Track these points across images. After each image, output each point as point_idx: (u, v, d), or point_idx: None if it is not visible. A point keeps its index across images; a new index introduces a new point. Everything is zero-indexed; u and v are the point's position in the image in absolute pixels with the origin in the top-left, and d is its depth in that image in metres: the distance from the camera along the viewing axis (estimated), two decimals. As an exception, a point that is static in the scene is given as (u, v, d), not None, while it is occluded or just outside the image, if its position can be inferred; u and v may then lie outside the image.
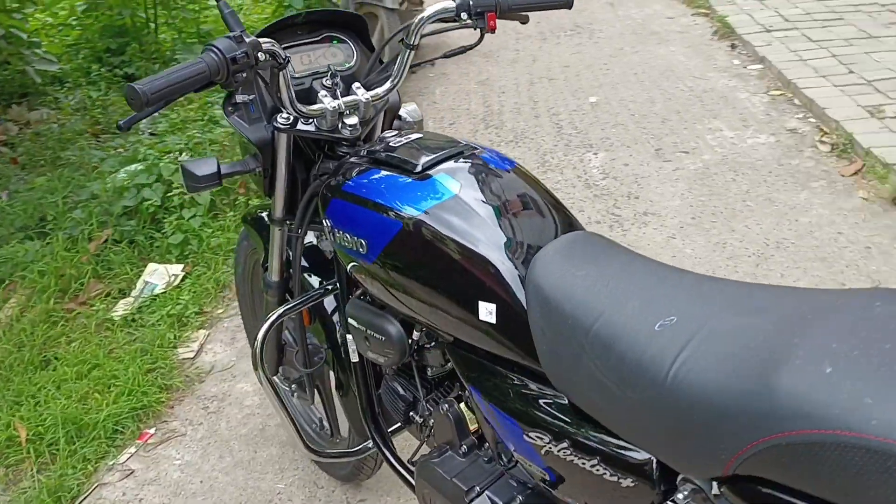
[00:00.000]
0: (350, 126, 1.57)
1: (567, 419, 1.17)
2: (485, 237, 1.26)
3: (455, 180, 1.35)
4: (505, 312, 1.22)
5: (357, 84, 1.61)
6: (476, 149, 1.43)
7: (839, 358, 0.83)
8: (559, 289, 1.16)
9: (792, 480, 0.85)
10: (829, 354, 0.84)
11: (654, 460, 1.06)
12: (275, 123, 1.57)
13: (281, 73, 1.42)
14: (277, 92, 1.47)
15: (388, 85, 1.63)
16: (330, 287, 1.79)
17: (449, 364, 1.53)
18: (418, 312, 1.38)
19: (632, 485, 1.08)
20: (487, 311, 1.24)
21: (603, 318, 1.08)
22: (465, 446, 1.50)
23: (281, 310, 1.76)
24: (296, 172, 1.69)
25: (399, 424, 1.79)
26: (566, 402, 1.18)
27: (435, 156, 1.39)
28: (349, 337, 1.70)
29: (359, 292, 1.64)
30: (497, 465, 1.47)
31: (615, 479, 1.10)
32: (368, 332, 1.56)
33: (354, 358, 1.72)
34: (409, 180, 1.37)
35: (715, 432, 0.91)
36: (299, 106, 1.50)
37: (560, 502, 1.33)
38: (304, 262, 1.89)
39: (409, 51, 1.60)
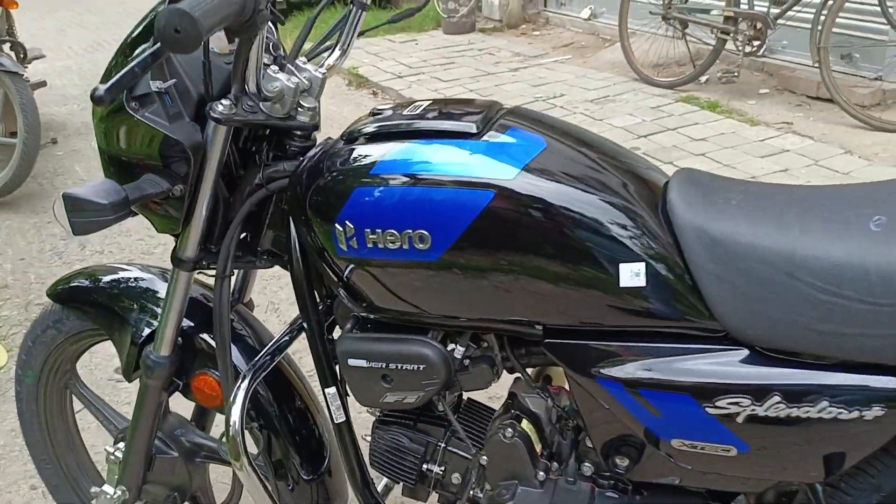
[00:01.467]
0: (309, 110, 1.20)
1: (768, 369, 1.01)
2: (606, 186, 1.05)
3: (531, 133, 1.11)
4: (656, 270, 1.02)
5: (302, 59, 1.25)
6: (503, 105, 1.20)
7: None
8: (727, 224, 1.01)
9: None
10: None
11: None
12: (211, 114, 1.13)
13: (258, 37, 1.05)
14: (244, 67, 1.08)
15: (337, 53, 1.30)
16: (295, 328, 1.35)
17: (496, 378, 1.25)
18: (504, 308, 1.09)
19: (880, 413, 0.97)
20: (633, 274, 1.03)
21: (802, 236, 0.97)
22: (539, 472, 1.23)
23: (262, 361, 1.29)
24: (218, 190, 1.25)
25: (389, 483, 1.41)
26: (749, 352, 1.02)
27: (482, 114, 1.12)
28: (330, 391, 1.30)
29: (349, 325, 1.25)
30: (580, 482, 1.23)
31: (854, 414, 0.97)
32: (389, 367, 1.20)
33: (340, 417, 1.31)
34: (478, 142, 1.09)
35: None
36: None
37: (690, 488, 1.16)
38: (188, 322, 1.41)
39: (359, 11, 1.30)
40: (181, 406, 1.55)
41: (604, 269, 1.03)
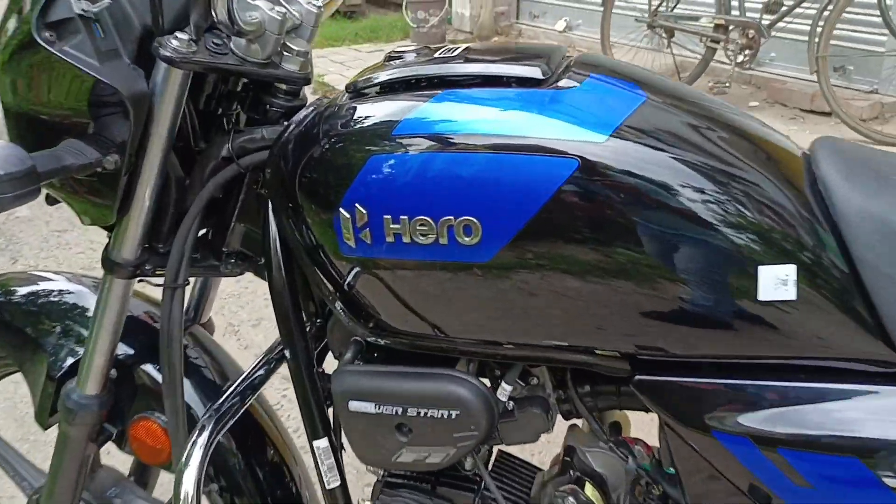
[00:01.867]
0: (298, 55, 0.87)
1: None
2: (733, 157, 0.74)
3: (622, 81, 0.79)
4: (811, 275, 0.70)
5: None
6: (567, 49, 0.88)
7: None
8: None
9: None
10: None
11: None
12: (161, 52, 0.79)
13: None
14: None
15: None
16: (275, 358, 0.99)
17: (550, 428, 0.92)
18: (579, 329, 0.77)
19: None
20: (779, 281, 0.70)
21: None
22: (611, 558, 0.90)
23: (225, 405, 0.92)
24: (169, 167, 0.90)
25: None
26: None
27: (546, 58, 0.80)
28: (321, 445, 0.94)
29: (349, 354, 0.91)
30: None
31: None
32: (408, 414, 0.85)
33: (334, 480, 0.96)
34: (548, 91, 0.76)
35: None
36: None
37: None
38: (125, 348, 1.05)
39: None
40: (116, 458, 1.19)
41: (735, 275, 0.71)
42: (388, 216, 0.75)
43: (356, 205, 0.76)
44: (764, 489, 0.76)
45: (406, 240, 0.76)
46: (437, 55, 0.84)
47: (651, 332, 0.75)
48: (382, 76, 0.82)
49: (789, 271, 0.70)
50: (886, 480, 0.71)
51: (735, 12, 4.36)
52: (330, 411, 0.96)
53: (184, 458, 0.88)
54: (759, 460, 0.75)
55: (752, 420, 0.75)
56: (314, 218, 0.80)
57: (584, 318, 0.76)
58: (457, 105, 0.76)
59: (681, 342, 0.75)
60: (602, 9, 4.92)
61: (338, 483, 0.96)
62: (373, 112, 0.79)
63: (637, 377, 0.79)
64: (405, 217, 0.75)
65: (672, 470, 0.84)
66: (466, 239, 0.74)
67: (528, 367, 0.91)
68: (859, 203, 0.71)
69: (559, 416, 0.94)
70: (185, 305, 1.18)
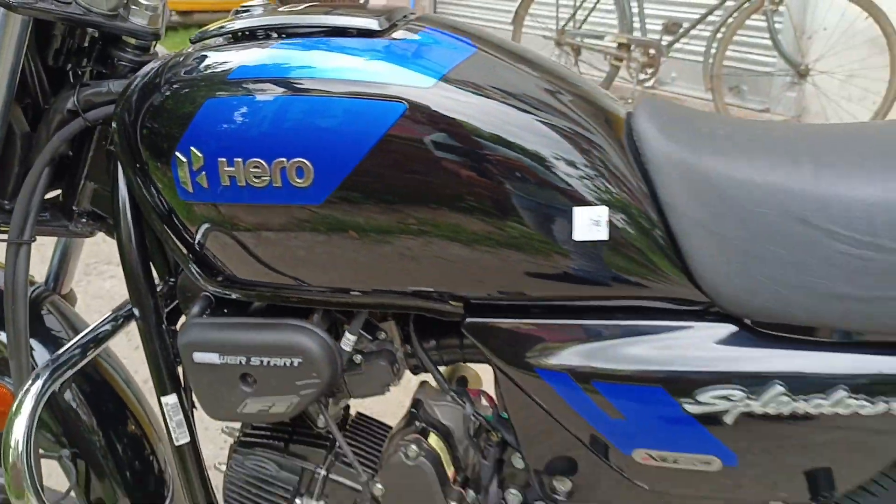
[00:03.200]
0: (147, 9, 0.88)
1: (769, 350, 0.76)
2: (554, 107, 0.78)
3: (454, 35, 0.83)
4: (622, 218, 0.76)
5: None
6: (413, 10, 0.92)
7: None
8: (718, 159, 0.76)
9: None
10: None
11: None
12: None
13: None
14: None
15: None
16: (123, 314, 0.99)
17: (396, 380, 0.95)
18: (412, 274, 0.80)
19: None
20: (592, 222, 0.75)
21: (818, 173, 0.73)
22: (451, 503, 0.93)
23: (46, 374, 0.90)
24: (13, 120, 0.90)
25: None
26: (742, 329, 0.77)
27: (385, 15, 0.83)
28: (169, 401, 0.95)
29: (197, 308, 0.92)
30: None
31: (881, 407, 0.73)
32: (251, 363, 0.87)
33: (183, 437, 0.96)
34: (382, 41, 0.79)
35: None
36: None
37: None
38: None
39: None
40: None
41: (551, 217, 0.76)
42: (223, 159, 0.77)
43: (192, 148, 0.78)
44: (581, 420, 0.81)
45: (241, 183, 0.78)
46: (283, 8, 0.86)
47: (474, 276, 0.79)
48: (227, 27, 0.84)
49: (602, 213, 0.75)
50: (687, 407, 0.76)
51: (637, 32, 4.54)
52: (180, 370, 0.97)
53: (14, 407, 0.87)
54: (577, 395, 0.80)
55: (571, 357, 0.79)
56: (154, 164, 0.81)
57: (415, 262, 0.79)
58: (291, 51, 0.79)
59: (505, 284, 0.79)
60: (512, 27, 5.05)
61: (187, 439, 0.97)
62: (213, 60, 0.81)
63: (468, 320, 0.83)
64: (239, 160, 0.77)
65: (506, 414, 0.88)
66: (299, 181, 0.76)
67: (375, 321, 0.94)
68: (668, 153, 0.77)
69: (411, 372, 0.98)
70: (45, 275, 1.17)
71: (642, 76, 4.50)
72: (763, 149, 0.77)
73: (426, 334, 0.94)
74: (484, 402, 0.96)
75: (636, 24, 4.55)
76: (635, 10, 4.53)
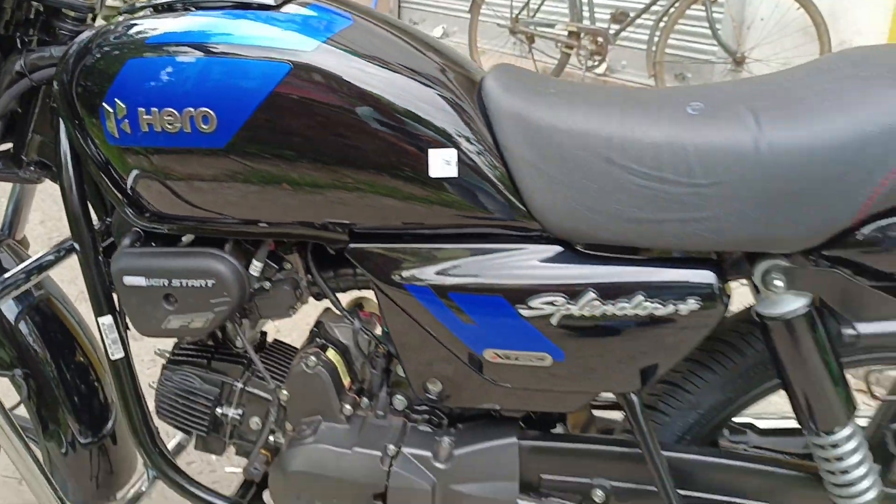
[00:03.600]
0: None
1: (583, 265, 0.94)
2: (417, 68, 0.96)
3: (336, 9, 1.00)
4: (469, 158, 0.94)
5: None
6: None
7: None
8: (546, 111, 0.94)
9: None
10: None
11: (718, 260, 0.93)
12: None
13: None
14: None
15: None
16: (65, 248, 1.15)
17: (298, 302, 1.12)
18: (304, 207, 0.97)
19: (695, 307, 0.91)
20: (444, 162, 0.93)
21: (621, 121, 0.92)
22: (345, 406, 1.11)
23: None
24: None
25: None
26: (565, 249, 0.95)
27: None
28: (105, 321, 1.12)
29: (128, 241, 1.08)
30: (391, 417, 1.13)
31: (670, 308, 0.92)
32: (173, 284, 1.04)
33: (117, 352, 1.13)
34: (275, 13, 0.96)
35: (836, 184, 0.83)
36: None
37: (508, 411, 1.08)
38: None
39: None
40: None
41: (411, 157, 0.93)
42: (142, 108, 0.94)
43: (116, 100, 0.95)
44: (443, 328, 0.98)
45: (157, 129, 0.95)
46: None
47: (354, 207, 0.96)
48: (153, 1, 1.01)
49: (451, 154, 0.93)
50: (521, 312, 0.95)
51: (586, 21, 4.73)
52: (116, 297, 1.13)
53: None
54: (438, 306, 0.98)
55: (432, 274, 0.97)
56: (86, 115, 0.98)
57: (305, 197, 0.96)
58: (200, 20, 0.96)
59: (377, 215, 0.97)
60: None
61: (121, 355, 1.13)
62: (137, 28, 0.98)
63: (350, 246, 1.00)
64: (155, 109, 0.94)
65: (387, 328, 1.06)
66: (205, 127, 0.93)
67: (282, 254, 1.11)
68: (505, 104, 0.95)
69: (315, 298, 1.15)
70: (0, 223, 1.33)
71: (591, 63, 4.70)
72: (584, 103, 0.95)
73: (325, 266, 1.12)
74: (377, 324, 1.15)
75: (585, 14, 4.74)
76: (585, 0, 4.71)
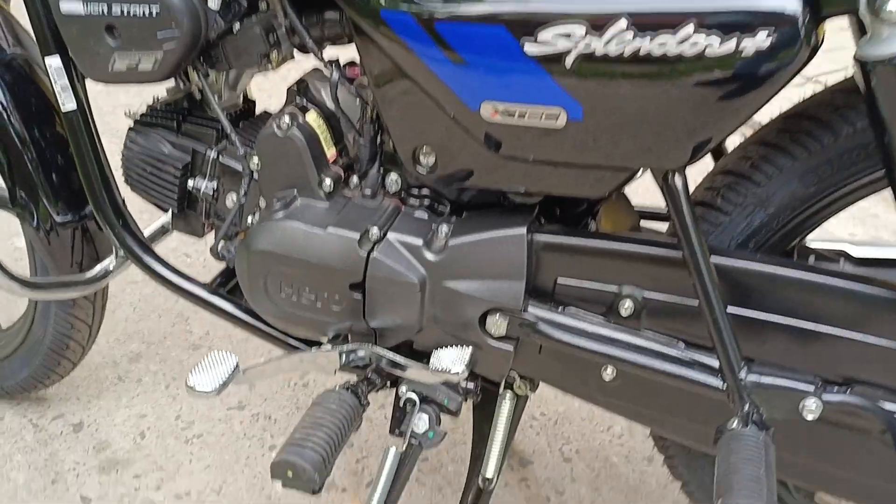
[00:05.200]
0: None
1: None
2: None
3: None
4: None
5: None
6: None
7: None
8: None
9: None
10: None
11: None
12: None
13: None
14: None
15: None
16: None
17: (272, 51, 0.92)
18: None
19: (766, 45, 0.65)
20: None
21: None
22: (327, 180, 0.91)
23: None
24: None
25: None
26: None
27: None
28: (52, 62, 0.95)
29: None
30: (382, 198, 0.93)
31: (731, 45, 0.66)
32: (113, 12, 0.85)
33: (69, 104, 0.97)
34: None
35: None
36: None
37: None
38: None
39: None
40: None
41: None
42: None
43: None
44: (427, 70, 0.76)
45: None
46: None
47: None
48: None
49: None
50: (528, 49, 0.71)
51: None
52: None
53: None
54: (419, 38, 0.75)
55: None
56: None
57: None
58: None
59: None
60: None
61: (73, 106, 0.97)
62: None
63: None
64: None
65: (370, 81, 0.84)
66: None
67: None
68: None
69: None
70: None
71: None
72: None
73: (308, 13, 0.90)
74: (361, 77, 0.93)
75: None
76: None
